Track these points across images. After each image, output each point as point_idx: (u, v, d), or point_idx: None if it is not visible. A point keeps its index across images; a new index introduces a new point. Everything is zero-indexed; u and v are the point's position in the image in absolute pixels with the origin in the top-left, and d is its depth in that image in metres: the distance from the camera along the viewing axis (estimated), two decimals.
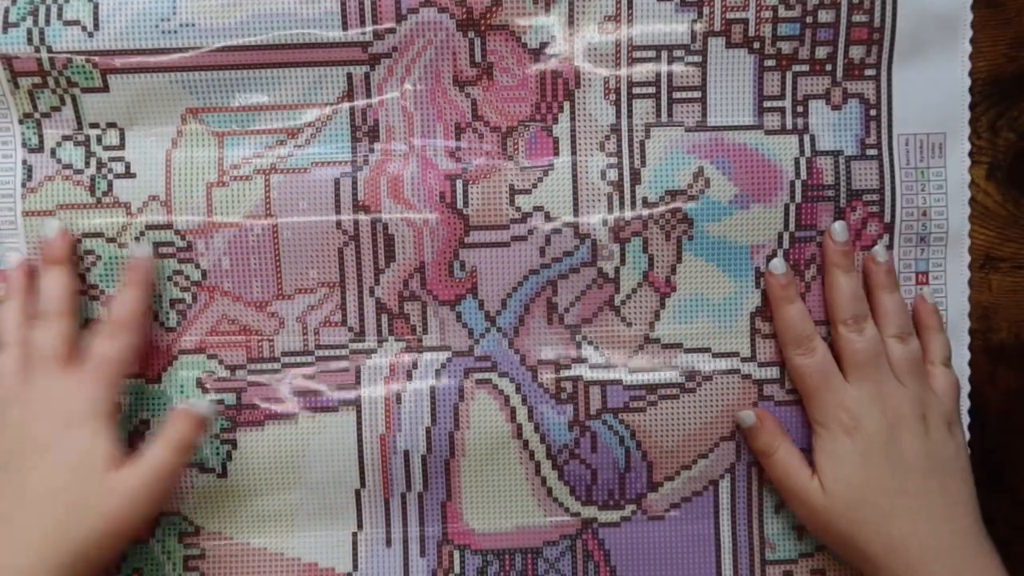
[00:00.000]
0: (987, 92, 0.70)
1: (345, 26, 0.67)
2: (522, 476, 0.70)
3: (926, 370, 0.68)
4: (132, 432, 0.69)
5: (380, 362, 0.70)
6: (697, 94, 0.69)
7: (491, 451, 0.70)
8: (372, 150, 0.69)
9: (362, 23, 0.67)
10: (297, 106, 0.69)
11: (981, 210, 0.71)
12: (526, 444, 0.70)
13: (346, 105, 0.69)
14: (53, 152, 0.69)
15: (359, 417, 0.69)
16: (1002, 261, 0.72)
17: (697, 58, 0.69)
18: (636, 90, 0.69)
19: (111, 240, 0.69)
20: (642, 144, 0.69)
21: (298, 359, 0.70)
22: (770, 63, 0.69)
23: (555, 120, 0.69)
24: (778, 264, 0.69)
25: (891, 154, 0.69)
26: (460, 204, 0.68)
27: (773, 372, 0.70)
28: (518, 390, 0.70)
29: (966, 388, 0.71)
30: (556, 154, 0.69)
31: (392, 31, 0.67)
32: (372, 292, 0.70)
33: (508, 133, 0.69)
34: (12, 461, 0.62)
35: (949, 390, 0.68)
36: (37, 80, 0.67)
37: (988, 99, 0.71)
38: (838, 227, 0.69)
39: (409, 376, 0.70)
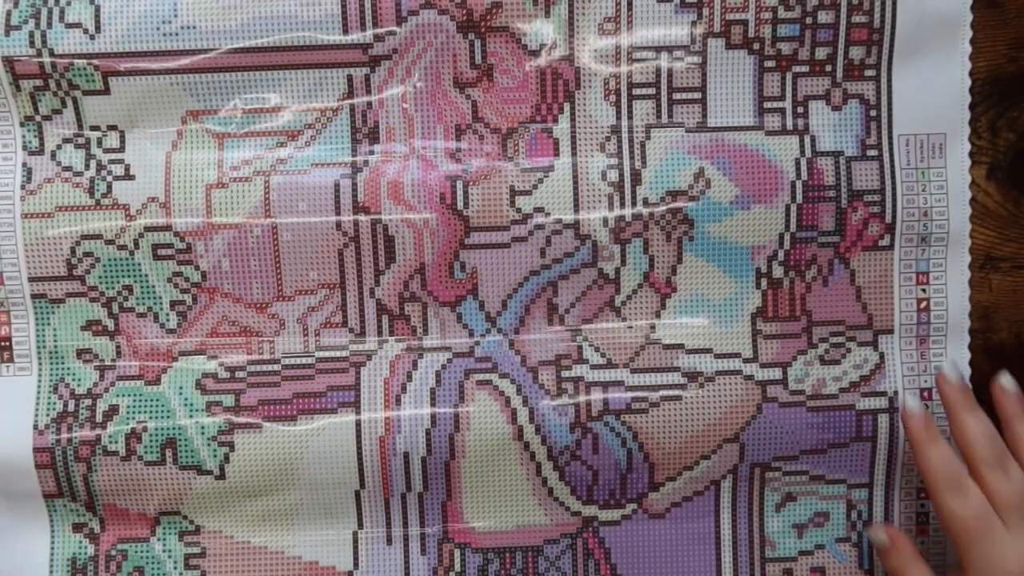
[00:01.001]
0: (987, 92, 0.70)
1: (345, 29, 0.67)
2: (523, 477, 0.70)
3: None
4: (129, 435, 0.69)
5: (380, 363, 0.70)
6: (697, 95, 0.69)
7: (492, 453, 0.70)
8: (372, 152, 0.69)
9: (362, 26, 0.67)
10: (297, 108, 0.69)
11: (981, 210, 0.71)
12: (527, 446, 0.69)
13: (346, 106, 0.69)
14: (53, 154, 0.69)
15: (358, 419, 0.69)
16: (1002, 261, 0.72)
17: (697, 59, 0.69)
18: (636, 91, 0.69)
19: (110, 242, 0.69)
20: (642, 145, 0.69)
21: (298, 360, 0.70)
22: (770, 64, 0.69)
23: (555, 121, 0.69)
24: (914, 404, 0.67)
25: (891, 154, 0.69)
26: (460, 205, 0.68)
27: (775, 373, 0.70)
28: (519, 391, 0.70)
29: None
30: (556, 155, 0.69)
31: (392, 33, 0.67)
32: (372, 293, 0.70)
33: (508, 134, 0.69)
34: None
35: None
36: (39, 83, 0.67)
37: (988, 99, 0.71)
38: (947, 368, 0.67)
39: (409, 377, 0.70)
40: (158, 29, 0.66)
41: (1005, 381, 0.67)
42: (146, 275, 0.69)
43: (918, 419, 0.66)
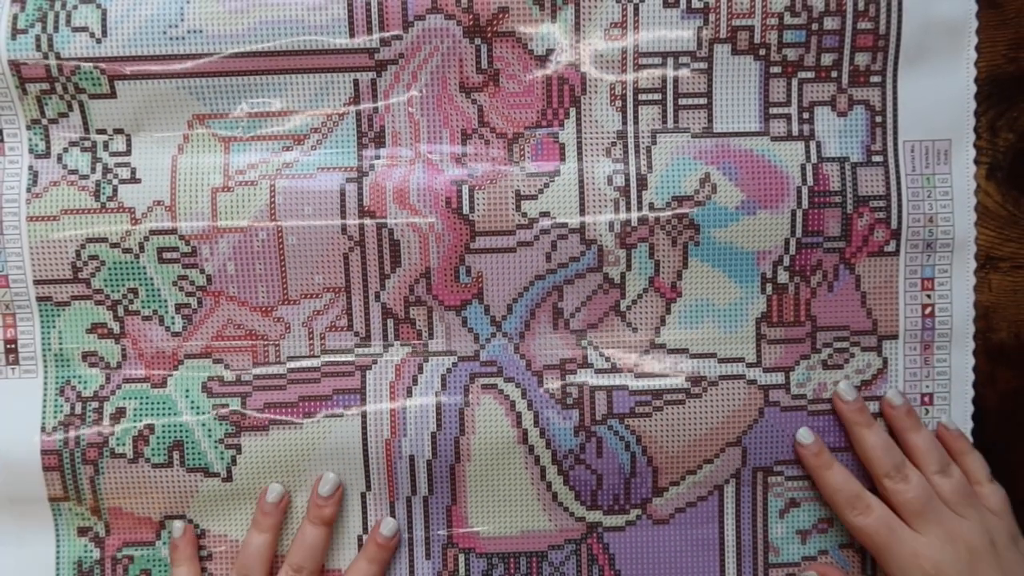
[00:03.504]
0: (987, 93, 0.70)
1: (352, 33, 0.67)
2: (527, 481, 0.70)
3: (976, 493, 0.68)
4: (136, 437, 0.69)
5: (386, 367, 0.70)
6: (703, 100, 0.69)
7: (496, 456, 0.70)
8: (378, 156, 0.69)
9: (369, 30, 0.67)
10: (303, 112, 0.69)
11: (981, 210, 0.71)
12: (531, 449, 0.70)
13: (352, 111, 0.69)
14: (59, 158, 0.69)
15: (364, 422, 0.69)
16: (1002, 261, 0.72)
17: (703, 64, 0.69)
18: (642, 96, 0.69)
19: (115, 245, 0.69)
20: (648, 150, 0.69)
21: (304, 364, 0.70)
22: (776, 70, 0.69)
23: (561, 126, 0.69)
24: (806, 434, 0.70)
25: (897, 161, 0.70)
26: (466, 210, 0.68)
27: (778, 377, 0.70)
28: (524, 395, 0.70)
29: (970, 394, 0.72)
30: (562, 160, 0.69)
31: (399, 38, 0.67)
32: (378, 297, 0.70)
33: (514, 139, 0.69)
34: None
35: (1003, 504, 0.69)
36: (45, 86, 0.67)
37: (988, 100, 0.71)
38: (843, 388, 0.71)
39: (415, 381, 0.70)
40: (164, 33, 0.66)
41: (892, 395, 0.71)
42: (151, 278, 0.69)
43: (811, 448, 0.70)
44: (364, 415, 0.69)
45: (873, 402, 0.71)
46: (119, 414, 0.69)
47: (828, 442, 0.71)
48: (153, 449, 0.69)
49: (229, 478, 0.70)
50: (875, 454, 0.68)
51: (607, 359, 0.70)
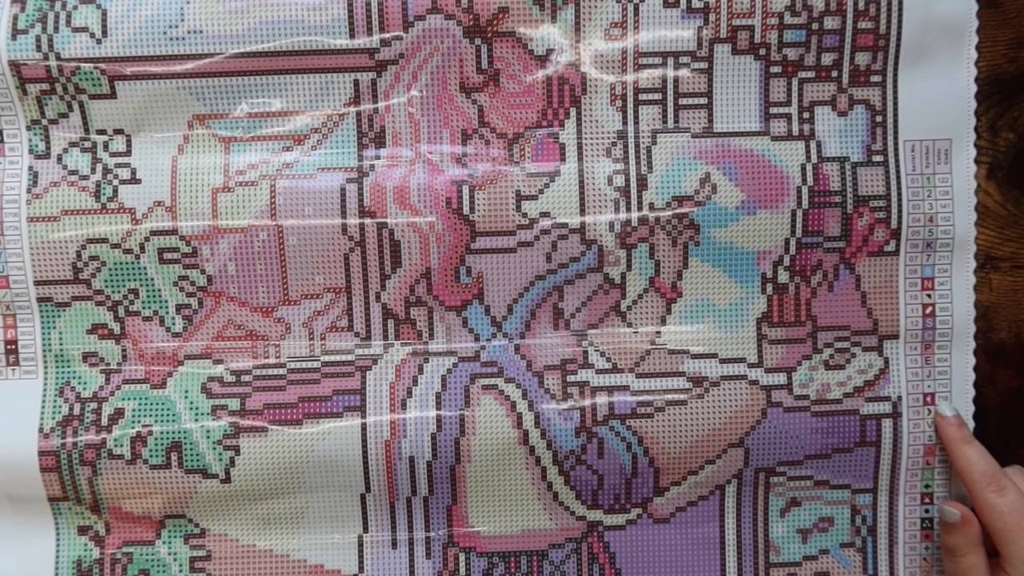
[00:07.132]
0: (987, 92, 0.70)
1: (352, 34, 0.67)
2: (528, 482, 0.70)
3: None
4: (135, 438, 0.69)
5: (386, 367, 0.70)
6: (703, 100, 0.69)
7: (497, 457, 0.70)
8: (378, 156, 0.69)
9: (369, 31, 0.67)
10: (304, 112, 0.69)
11: (982, 210, 0.71)
12: (532, 450, 0.70)
13: (353, 111, 0.69)
14: (59, 158, 0.69)
15: (364, 423, 0.69)
16: (1002, 261, 0.72)
17: (703, 64, 0.69)
18: (643, 96, 0.69)
19: (115, 246, 0.69)
20: (649, 150, 0.69)
21: (304, 364, 0.70)
22: (776, 69, 0.69)
23: (561, 126, 0.69)
24: (946, 407, 0.70)
25: (897, 160, 0.69)
26: (466, 210, 0.68)
27: (780, 378, 0.70)
28: (524, 396, 0.70)
29: (971, 394, 0.72)
30: (563, 160, 0.69)
31: (399, 38, 0.67)
32: (378, 298, 0.70)
33: (515, 139, 0.69)
34: None
35: None
36: (45, 87, 0.67)
37: (988, 99, 0.71)
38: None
39: (415, 382, 0.70)
40: (165, 33, 0.66)
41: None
42: (152, 279, 0.69)
43: (952, 421, 0.70)
44: (364, 416, 0.69)
45: (879, 403, 0.71)
46: (117, 415, 0.69)
47: (831, 443, 0.71)
48: (151, 450, 0.69)
49: (228, 479, 0.69)
50: (977, 468, 0.68)
51: (608, 359, 0.70)
